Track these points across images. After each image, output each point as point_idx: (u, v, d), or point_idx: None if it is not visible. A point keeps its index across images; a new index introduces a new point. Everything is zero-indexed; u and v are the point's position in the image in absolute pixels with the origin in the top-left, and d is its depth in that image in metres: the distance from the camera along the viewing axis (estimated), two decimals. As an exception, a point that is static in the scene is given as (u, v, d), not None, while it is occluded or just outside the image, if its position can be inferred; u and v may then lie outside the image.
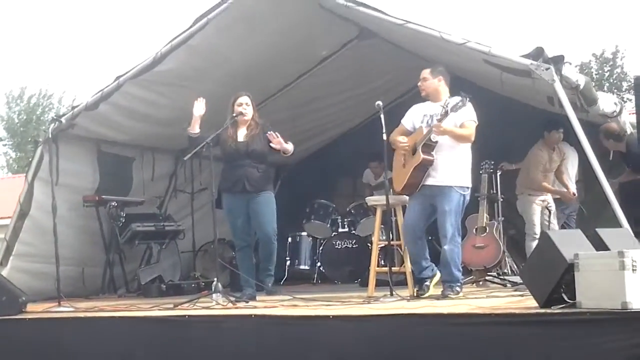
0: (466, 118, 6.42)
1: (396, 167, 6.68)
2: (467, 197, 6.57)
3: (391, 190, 6.75)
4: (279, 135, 7.08)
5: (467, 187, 6.55)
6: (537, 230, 8.11)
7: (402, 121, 6.71)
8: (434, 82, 6.58)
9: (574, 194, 8.40)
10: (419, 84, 6.66)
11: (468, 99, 6.30)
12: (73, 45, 52.59)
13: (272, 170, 7.55)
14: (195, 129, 7.07)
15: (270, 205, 7.28)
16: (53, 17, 54.96)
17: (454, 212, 6.43)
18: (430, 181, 6.47)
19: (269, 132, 7.09)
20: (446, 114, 6.26)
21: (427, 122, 6.51)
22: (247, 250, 7.34)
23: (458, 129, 6.40)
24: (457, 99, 6.33)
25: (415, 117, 6.66)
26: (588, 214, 8.82)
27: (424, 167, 6.42)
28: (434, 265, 6.67)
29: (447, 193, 6.43)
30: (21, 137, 36.99)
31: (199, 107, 7.06)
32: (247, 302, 6.65)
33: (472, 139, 6.46)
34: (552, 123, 8.06)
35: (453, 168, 6.45)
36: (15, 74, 55.30)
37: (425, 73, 6.61)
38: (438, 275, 6.58)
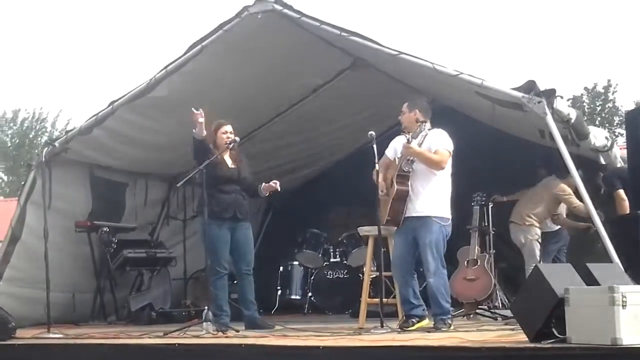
0: (441, 146, 6.48)
1: (382, 201, 6.72)
2: (449, 230, 6.54)
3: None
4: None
5: (447, 219, 6.53)
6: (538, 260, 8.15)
7: (386, 152, 6.79)
8: (410, 116, 6.70)
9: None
10: (399, 117, 6.79)
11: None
12: (67, 68, 52.67)
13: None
14: (202, 132, 7.01)
15: (251, 236, 7.50)
16: (46, 40, 55.12)
17: (435, 244, 6.43)
18: (410, 212, 6.49)
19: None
20: (408, 141, 6.41)
21: (402, 152, 6.62)
22: (225, 279, 7.35)
23: (428, 153, 6.46)
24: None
25: (397, 147, 6.72)
26: (578, 248, 8.83)
27: (401, 198, 6.47)
28: (425, 306, 6.64)
29: (427, 224, 6.43)
30: (13, 161, 36.87)
31: (199, 115, 6.95)
32: (238, 331, 6.63)
33: (443, 166, 6.47)
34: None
35: (430, 198, 6.47)
36: (7, 96, 55.35)
37: (403, 107, 6.78)
38: (427, 321, 6.55)
